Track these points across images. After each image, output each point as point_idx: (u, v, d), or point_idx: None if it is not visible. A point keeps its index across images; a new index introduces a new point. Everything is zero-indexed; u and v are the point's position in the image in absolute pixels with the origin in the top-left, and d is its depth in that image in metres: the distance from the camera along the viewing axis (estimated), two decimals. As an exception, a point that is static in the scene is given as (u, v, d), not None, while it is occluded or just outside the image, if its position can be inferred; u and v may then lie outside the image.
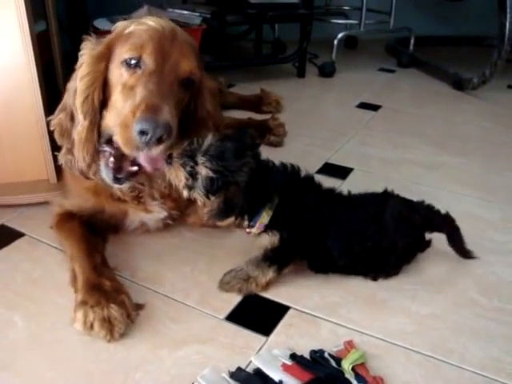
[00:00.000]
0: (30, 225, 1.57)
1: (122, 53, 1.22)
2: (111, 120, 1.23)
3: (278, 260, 1.26)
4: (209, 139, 1.15)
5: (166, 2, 2.87)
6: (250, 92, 2.56)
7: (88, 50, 1.27)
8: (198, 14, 2.72)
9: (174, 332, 1.18)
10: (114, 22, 2.63)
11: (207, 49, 2.74)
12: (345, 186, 1.73)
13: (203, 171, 1.13)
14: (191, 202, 1.25)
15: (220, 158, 1.13)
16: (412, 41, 3.30)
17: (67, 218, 1.44)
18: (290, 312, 1.25)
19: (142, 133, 1.10)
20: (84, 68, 1.25)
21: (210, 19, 2.71)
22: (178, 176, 1.17)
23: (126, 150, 1.17)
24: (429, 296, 1.31)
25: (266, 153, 1.98)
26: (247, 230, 1.25)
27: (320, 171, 1.89)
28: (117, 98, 1.22)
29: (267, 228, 1.22)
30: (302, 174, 1.29)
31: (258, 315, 1.24)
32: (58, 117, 1.32)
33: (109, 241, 1.48)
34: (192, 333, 1.18)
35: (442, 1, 3.62)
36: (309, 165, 1.89)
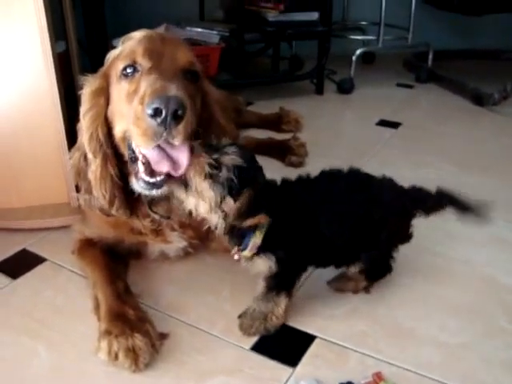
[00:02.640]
0: (51, 250, 1.57)
1: (117, 69, 1.20)
2: (123, 129, 1.19)
3: (284, 285, 1.22)
4: (226, 141, 1.11)
5: (183, 21, 2.87)
6: (268, 110, 2.55)
7: (87, 87, 1.25)
8: (216, 32, 2.73)
9: (199, 363, 1.17)
10: (132, 41, 2.66)
11: (226, 67, 2.74)
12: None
13: (230, 160, 1.04)
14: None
15: (242, 155, 1.06)
16: (430, 56, 3.27)
17: (89, 245, 1.44)
18: (316, 342, 1.23)
19: (155, 114, 1.02)
20: (85, 105, 1.24)
21: (228, 37, 2.71)
22: (200, 165, 1.05)
23: (146, 145, 1.08)
24: (457, 325, 1.28)
25: (287, 173, 1.97)
26: (235, 256, 1.18)
27: (342, 193, 1.87)
28: (123, 110, 1.17)
29: (259, 250, 1.15)
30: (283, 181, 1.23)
31: (284, 345, 1.22)
32: (74, 156, 1.31)
33: (131, 266, 1.47)
34: (217, 364, 1.17)
35: (460, 14, 3.59)
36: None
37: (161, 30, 2.69)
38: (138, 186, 1.18)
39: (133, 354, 1.11)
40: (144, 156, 1.13)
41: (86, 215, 1.48)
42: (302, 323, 1.28)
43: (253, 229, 1.12)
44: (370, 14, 3.39)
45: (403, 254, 1.41)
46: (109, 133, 1.24)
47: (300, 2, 2.79)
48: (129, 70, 1.17)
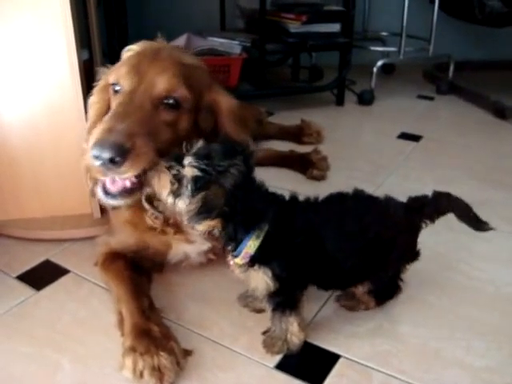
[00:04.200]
0: (74, 261, 1.58)
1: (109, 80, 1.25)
2: None
3: (287, 303, 1.18)
4: (198, 143, 1.07)
5: (205, 30, 2.88)
6: (289, 120, 2.55)
7: (100, 80, 1.31)
8: (237, 42, 2.73)
9: (222, 381, 1.16)
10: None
11: (247, 77, 2.75)
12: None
13: (189, 172, 1.04)
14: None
15: (206, 157, 1.04)
16: (451, 67, 3.25)
17: (113, 258, 1.44)
18: (340, 361, 1.22)
19: (95, 157, 1.06)
20: (93, 97, 1.31)
21: (249, 48, 2.72)
22: (162, 182, 1.07)
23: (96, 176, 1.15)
24: (483, 346, 1.26)
25: (309, 187, 1.98)
26: (230, 261, 1.17)
27: (364, 207, 1.86)
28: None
29: (254, 261, 1.12)
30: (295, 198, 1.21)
31: (309, 364, 1.22)
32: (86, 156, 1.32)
33: (153, 280, 1.47)
34: (241, 382, 1.16)
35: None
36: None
37: (183, 39, 2.71)
38: (99, 193, 1.19)
39: (158, 372, 1.11)
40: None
41: (112, 222, 1.50)
42: (325, 341, 1.27)
43: (250, 236, 1.10)
44: (391, 24, 3.39)
45: (427, 270, 1.41)
46: None
47: (322, 14, 2.79)
48: (116, 88, 1.21)
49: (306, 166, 2.07)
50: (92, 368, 1.20)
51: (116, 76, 1.20)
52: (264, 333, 1.26)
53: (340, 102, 2.99)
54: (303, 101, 3.00)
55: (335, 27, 2.80)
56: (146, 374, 1.11)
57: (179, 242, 1.42)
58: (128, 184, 1.16)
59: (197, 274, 1.50)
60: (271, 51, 2.80)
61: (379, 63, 3.09)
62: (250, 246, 1.10)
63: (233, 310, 1.37)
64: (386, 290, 1.33)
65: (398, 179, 2.10)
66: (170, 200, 1.07)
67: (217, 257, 1.49)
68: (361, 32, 3.58)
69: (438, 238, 1.67)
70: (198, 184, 1.03)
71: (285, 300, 1.18)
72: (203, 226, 1.08)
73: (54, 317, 1.36)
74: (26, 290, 1.45)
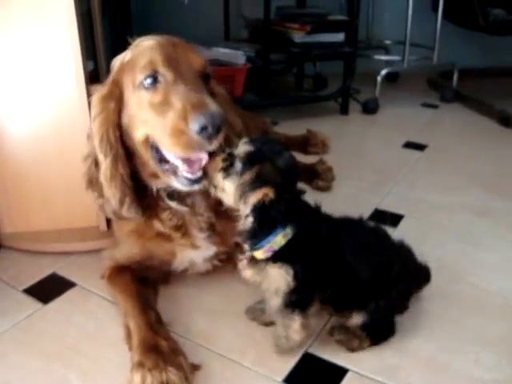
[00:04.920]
0: (80, 274, 1.58)
1: (134, 78, 1.22)
2: (145, 134, 1.23)
3: (300, 303, 1.19)
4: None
5: (210, 40, 2.89)
6: (293, 129, 2.55)
7: (96, 93, 1.28)
8: (242, 52, 2.73)
9: (230, 396, 1.16)
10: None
11: (251, 87, 2.75)
12: (396, 235, 1.71)
13: (242, 149, 1.11)
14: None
15: (259, 141, 1.13)
16: (455, 76, 3.25)
17: (119, 272, 1.44)
18: (349, 375, 1.21)
19: (202, 129, 1.10)
20: (95, 109, 1.27)
21: (254, 58, 2.72)
22: (216, 162, 1.15)
23: (185, 154, 1.17)
24: (492, 359, 1.25)
25: (314, 198, 1.97)
26: (244, 259, 1.19)
27: (371, 218, 1.86)
28: (147, 118, 1.21)
29: (277, 257, 1.14)
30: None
31: (317, 378, 1.22)
32: (85, 164, 1.34)
33: (159, 293, 1.47)
34: (249, 397, 1.16)
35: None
36: (358, 211, 1.87)
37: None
38: (179, 183, 1.23)
39: (167, 388, 1.10)
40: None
41: (116, 234, 1.50)
42: (333, 355, 1.27)
43: (276, 233, 1.12)
44: (394, 32, 3.39)
45: (435, 282, 1.40)
46: (121, 136, 1.29)
47: (326, 23, 2.79)
48: (149, 81, 1.19)
49: (312, 176, 2.07)
50: (100, 383, 1.20)
51: (150, 69, 1.18)
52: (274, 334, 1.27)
53: (344, 110, 2.99)
54: (308, 110, 3.00)
55: (339, 37, 2.80)
56: (155, 389, 1.11)
57: (184, 249, 1.42)
58: (204, 162, 1.19)
59: (203, 286, 1.50)
60: (276, 61, 2.81)
61: (383, 72, 3.09)
62: (276, 241, 1.12)
63: (240, 323, 1.37)
64: (380, 327, 1.29)
65: (404, 189, 2.09)
66: (219, 176, 1.13)
67: (222, 263, 1.49)
68: (364, 40, 3.58)
69: (444, 248, 1.67)
70: (252, 158, 1.09)
71: (297, 300, 1.18)
72: (256, 195, 1.09)
73: (62, 330, 1.36)
74: (33, 304, 1.46)
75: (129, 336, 1.27)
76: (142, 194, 1.35)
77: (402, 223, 1.84)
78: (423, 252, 1.61)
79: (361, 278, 1.20)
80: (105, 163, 1.27)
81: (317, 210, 1.23)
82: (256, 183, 1.09)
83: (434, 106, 3.19)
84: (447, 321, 1.38)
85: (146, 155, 1.27)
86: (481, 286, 1.51)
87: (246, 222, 1.14)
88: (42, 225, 1.71)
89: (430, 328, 1.35)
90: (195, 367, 1.21)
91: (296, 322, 1.19)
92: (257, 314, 1.37)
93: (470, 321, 1.38)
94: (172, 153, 1.20)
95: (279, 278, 1.14)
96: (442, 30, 3.17)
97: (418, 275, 1.36)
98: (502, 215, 1.90)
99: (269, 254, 1.13)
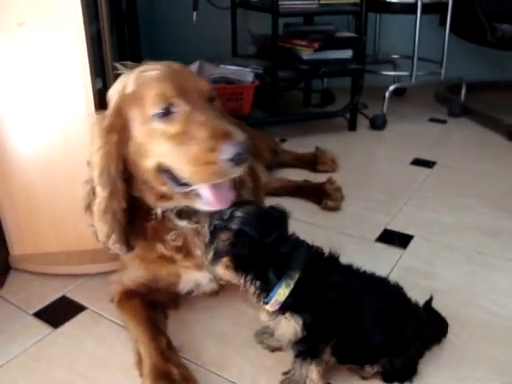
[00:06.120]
0: (90, 297, 1.58)
1: (144, 111, 1.20)
2: (157, 163, 1.22)
3: (310, 352, 1.17)
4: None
5: (217, 57, 2.89)
6: (301, 146, 2.56)
7: (97, 124, 1.26)
8: (250, 69, 2.74)
9: (242, 424, 1.16)
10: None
11: (259, 104, 2.75)
12: (406, 256, 1.71)
13: (206, 229, 1.16)
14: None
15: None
16: (463, 90, 3.25)
17: (128, 296, 1.44)
18: (359, 405, 1.21)
19: (233, 158, 1.11)
20: (97, 142, 1.25)
21: (262, 75, 2.73)
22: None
23: (210, 181, 1.18)
24: (504, 387, 1.25)
25: (323, 217, 1.97)
26: (261, 308, 1.17)
27: (380, 239, 1.86)
28: (162, 148, 1.20)
29: (284, 309, 1.12)
30: (326, 252, 1.22)
31: (326, 407, 1.21)
32: (84, 189, 1.34)
33: (169, 318, 1.47)
34: (261, 425, 1.15)
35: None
36: (367, 231, 1.89)
37: (195, 66, 2.72)
38: (204, 203, 1.22)
39: (179, 417, 1.10)
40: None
41: (122, 258, 1.50)
42: (344, 381, 1.26)
43: (280, 284, 1.11)
44: (402, 46, 3.39)
45: (446, 305, 1.40)
46: (124, 167, 1.28)
47: (334, 40, 2.79)
48: (162, 112, 1.18)
49: (321, 196, 2.07)
50: (112, 412, 1.20)
51: (163, 102, 1.18)
52: (284, 373, 1.25)
53: (352, 127, 2.99)
54: (316, 125, 2.99)
55: (347, 53, 2.80)
56: (167, 418, 1.10)
57: (188, 271, 1.41)
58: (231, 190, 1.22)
59: (212, 309, 1.50)
60: (283, 78, 2.81)
61: (391, 88, 3.09)
62: (280, 294, 1.10)
63: (251, 349, 1.36)
64: (397, 374, 1.27)
65: (413, 209, 2.09)
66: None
67: (228, 282, 1.48)
68: (372, 55, 3.58)
69: (456, 271, 1.66)
70: (212, 235, 1.11)
71: (308, 349, 1.17)
72: (219, 269, 1.11)
73: (72, 356, 1.35)
74: (43, 328, 1.45)
75: (140, 362, 1.27)
76: (144, 218, 1.35)
77: (412, 244, 1.83)
78: (433, 274, 1.61)
79: (373, 342, 1.19)
80: (101, 195, 1.26)
81: (329, 257, 1.21)
82: (214, 259, 1.11)
83: (442, 121, 3.18)
84: (459, 346, 1.36)
85: (154, 181, 1.26)
86: (493, 310, 1.50)
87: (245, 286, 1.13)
88: (51, 247, 1.71)
89: (441, 354, 1.34)
90: (207, 395, 1.20)
91: (314, 372, 1.18)
92: (264, 337, 1.37)
93: (482, 347, 1.36)
94: (196, 180, 1.19)
95: (289, 329, 1.13)
96: (449, 44, 3.17)
97: (436, 330, 1.35)
98: (512, 235, 1.89)
99: (276, 307, 1.12)
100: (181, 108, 1.18)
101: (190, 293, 1.48)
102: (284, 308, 1.12)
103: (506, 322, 1.45)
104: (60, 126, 1.59)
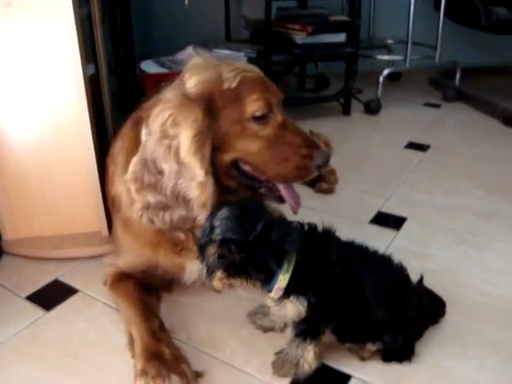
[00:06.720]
0: (83, 280, 1.57)
1: (243, 110, 1.23)
2: (234, 157, 1.28)
3: (311, 332, 1.18)
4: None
5: (210, 42, 2.88)
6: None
7: (187, 103, 1.22)
8: (243, 54, 2.73)
9: (234, 403, 1.16)
10: (159, 63, 2.69)
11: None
12: (399, 238, 1.72)
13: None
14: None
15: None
16: (458, 75, 3.24)
17: (122, 279, 1.44)
18: (352, 381, 1.21)
19: (319, 165, 1.28)
20: (195, 127, 1.20)
21: (255, 59, 2.71)
22: None
23: (293, 182, 1.34)
24: (496, 365, 1.25)
25: (318, 200, 1.97)
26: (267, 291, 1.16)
27: (373, 221, 1.86)
28: (251, 146, 1.26)
29: (288, 293, 1.12)
30: (320, 228, 1.21)
31: (320, 384, 1.21)
32: (135, 170, 1.27)
33: (162, 300, 1.47)
34: (253, 404, 1.15)
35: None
36: (361, 214, 1.89)
37: (188, 51, 2.71)
38: (272, 199, 1.36)
39: (170, 395, 1.10)
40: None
41: (120, 243, 1.49)
42: (337, 361, 1.26)
43: (279, 271, 1.10)
44: (396, 31, 3.38)
45: (439, 286, 1.40)
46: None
47: (327, 24, 2.78)
48: (261, 116, 1.25)
49: (315, 179, 2.05)
50: (103, 391, 1.19)
51: (265, 109, 1.24)
52: (277, 353, 1.25)
53: (346, 111, 2.98)
54: (310, 110, 2.99)
55: (341, 37, 2.79)
56: (158, 398, 1.10)
57: (194, 261, 1.39)
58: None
59: (206, 292, 1.49)
60: (277, 62, 2.80)
61: (385, 72, 3.08)
62: (281, 280, 1.10)
63: (243, 330, 1.36)
64: (396, 353, 1.27)
65: (407, 191, 2.09)
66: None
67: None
68: (366, 39, 3.57)
69: (449, 252, 1.67)
70: (200, 253, 1.11)
71: (310, 329, 1.17)
72: (216, 284, 1.10)
73: (65, 338, 1.35)
74: (35, 311, 1.45)
75: (132, 343, 1.26)
76: None
77: (405, 226, 1.83)
78: (426, 255, 1.62)
79: (377, 317, 1.19)
80: (201, 181, 1.22)
81: (325, 233, 1.20)
82: (210, 273, 1.09)
83: (437, 106, 3.18)
84: (451, 326, 1.37)
85: (224, 174, 1.30)
86: (485, 290, 1.50)
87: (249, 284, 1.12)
88: (44, 231, 1.70)
89: (434, 333, 1.34)
90: (198, 375, 1.20)
91: (310, 353, 1.18)
92: (257, 317, 1.37)
93: (474, 326, 1.37)
94: (282, 180, 1.31)
95: (295, 310, 1.13)
96: (444, 28, 3.16)
97: (435, 310, 1.36)
98: (506, 218, 1.89)
99: (280, 293, 1.12)
100: (277, 115, 1.27)
101: (193, 283, 1.48)
102: (288, 292, 1.12)
103: (498, 301, 1.45)
104: (51, 112, 1.58)
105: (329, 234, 1.20)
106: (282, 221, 1.15)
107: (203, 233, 1.11)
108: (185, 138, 1.19)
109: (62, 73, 1.54)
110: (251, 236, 1.05)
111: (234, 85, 1.24)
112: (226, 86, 1.24)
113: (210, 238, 1.07)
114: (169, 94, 1.26)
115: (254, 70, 1.31)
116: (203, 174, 1.21)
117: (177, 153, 1.21)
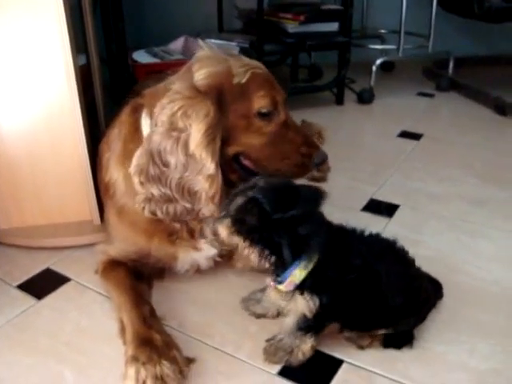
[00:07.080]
0: (75, 269, 1.57)
1: (250, 105, 1.26)
2: (236, 151, 1.31)
3: (314, 327, 1.17)
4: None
5: (203, 32, 2.87)
6: (288, 121, 2.53)
7: (200, 100, 1.21)
8: (235, 43, 2.72)
9: (225, 389, 1.15)
10: (152, 53, 2.67)
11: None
12: (392, 225, 1.72)
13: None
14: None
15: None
16: (451, 64, 3.24)
17: (113, 266, 1.43)
18: (344, 366, 1.21)
19: (317, 164, 1.34)
20: (207, 121, 1.20)
21: (247, 49, 2.70)
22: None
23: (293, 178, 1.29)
24: (487, 349, 1.25)
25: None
26: (271, 283, 1.15)
27: (365, 208, 1.86)
28: (254, 141, 1.29)
29: (302, 289, 1.10)
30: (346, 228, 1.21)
31: (311, 369, 1.21)
32: (140, 163, 1.26)
33: (154, 287, 1.47)
34: (244, 389, 1.15)
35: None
36: (354, 201, 1.89)
37: (180, 42, 2.71)
38: None
39: (161, 382, 1.10)
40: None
41: (113, 230, 1.49)
42: (330, 347, 1.26)
43: (296, 264, 1.08)
44: (389, 21, 3.37)
45: (432, 271, 1.39)
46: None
47: (319, 13, 2.77)
48: (266, 112, 1.28)
49: (307, 167, 2.06)
50: (95, 378, 1.19)
51: (271, 105, 1.27)
52: (268, 340, 1.24)
53: (340, 101, 2.98)
54: (303, 100, 2.98)
55: (333, 26, 2.78)
56: (149, 383, 1.10)
57: (187, 250, 1.41)
58: None
59: (197, 279, 1.49)
60: (269, 52, 2.79)
61: (378, 61, 3.08)
62: (296, 275, 1.08)
63: (235, 316, 1.36)
64: (399, 338, 1.27)
65: (400, 179, 2.09)
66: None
67: (223, 258, 1.47)
68: (359, 29, 3.56)
69: (441, 238, 1.67)
70: (230, 198, 1.10)
71: (315, 325, 1.17)
72: (220, 229, 1.09)
73: (56, 326, 1.35)
74: (27, 300, 1.45)
75: (123, 330, 1.26)
76: None
77: (398, 213, 1.83)
78: (419, 242, 1.62)
79: (393, 304, 1.18)
80: (211, 173, 1.22)
81: (342, 232, 1.20)
82: (222, 217, 1.08)
83: (430, 95, 3.18)
84: (443, 311, 1.37)
85: (226, 167, 1.30)
86: (478, 275, 1.50)
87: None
88: (36, 220, 1.70)
89: (427, 318, 1.33)
90: (189, 360, 1.20)
91: (307, 345, 1.18)
92: (250, 303, 1.37)
93: (466, 311, 1.37)
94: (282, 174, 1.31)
95: (305, 306, 1.12)
96: (437, 18, 3.16)
97: (434, 293, 1.36)
98: (498, 205, 1.89)
99: (291, 288, 1.11)
100: (281, 113, 1.31)
101: (186, 271, 1.48)
102: (301, 288, 1.10)
103: (490, 286, 1.46)
104: (43, 102, 1.57)
105: (345, 232, 1.20)
106: (318, 220, 1.11)
107: (243, 185, 1.10)
108: (196, 131, 1.19)
109: (53, 63, 1.53)
110: (276, 215, 1.03)
111: (243, 80, 1.25)
112: (236, 80, 1.24)
113: (245, 192, 1.07)
114: (177, 84, 1.25)
115: (262, 67, 1.32)
116: (214, 167, 1.22)
117: (185, 145, 1.21)
